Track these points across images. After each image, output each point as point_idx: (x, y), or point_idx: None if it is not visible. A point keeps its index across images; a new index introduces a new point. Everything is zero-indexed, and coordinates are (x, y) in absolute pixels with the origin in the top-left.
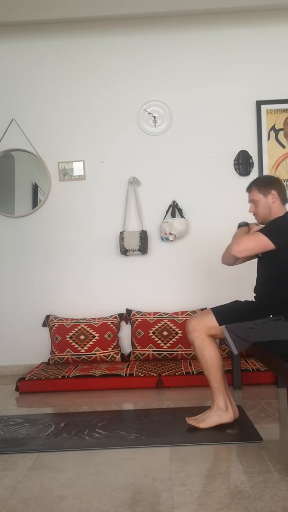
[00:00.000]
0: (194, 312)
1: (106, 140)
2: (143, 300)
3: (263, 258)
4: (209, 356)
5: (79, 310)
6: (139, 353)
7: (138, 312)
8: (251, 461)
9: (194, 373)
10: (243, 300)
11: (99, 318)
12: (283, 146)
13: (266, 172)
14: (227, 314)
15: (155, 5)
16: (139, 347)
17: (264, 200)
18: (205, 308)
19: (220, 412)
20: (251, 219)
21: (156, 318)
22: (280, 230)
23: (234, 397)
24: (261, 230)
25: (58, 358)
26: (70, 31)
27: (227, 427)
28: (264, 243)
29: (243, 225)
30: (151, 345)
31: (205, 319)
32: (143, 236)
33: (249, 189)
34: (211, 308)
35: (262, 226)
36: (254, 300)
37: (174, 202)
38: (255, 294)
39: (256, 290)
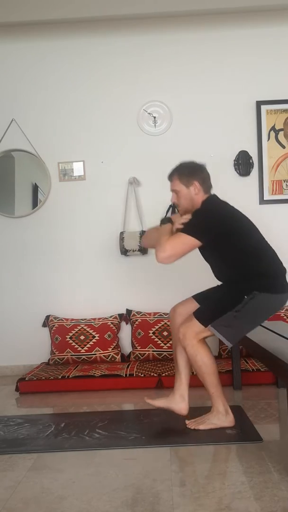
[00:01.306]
0: None
1: (106, 140)
2: (143, 300)
3: (205, 250)
4: (202, 362)
5: (79, 310)
6: (139, 353)
7: (138, 312)
8: (251, 462)
9: (194, 373)
10: (215, 286)
11: (99, 319)
12: (283, 147)
13: (266, 172)
14: (207, 314)
15: (155, 5)
16: (139, 347)
17: (185, 191)
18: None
19: (220, 415)
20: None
21: (156, 318)
22: (201, 225)
23: (234, 397)
24: (183, 230)
25: (58, 358)
26: (70, 32)
27: (227, 427)
28: (190, 243)
29: (166, 222)
30: (151, 345)
31: (191, 326)
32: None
33: (171, 178)
34: (193, 314)
35: (186, 219)
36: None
37: (174, 202)
38: (220, 282)
39: (218, 277)
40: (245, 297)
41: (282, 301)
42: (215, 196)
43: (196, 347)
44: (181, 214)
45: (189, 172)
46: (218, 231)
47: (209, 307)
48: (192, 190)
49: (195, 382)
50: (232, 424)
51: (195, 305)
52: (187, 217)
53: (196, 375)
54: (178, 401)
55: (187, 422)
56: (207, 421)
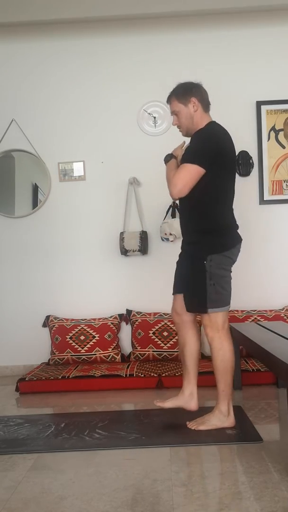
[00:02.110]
0: None
1: (106, 140)
2: (143, 301)
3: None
4: (224, 358)
5: (79, 311)
6: (139, 353)
7: (138, 313)
8: (251, 462)
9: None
10: (178, 266)
11: (99, 319)
12: (283, 147)
13: (266, 172)
14: (193, 302)
15: (156, 5)
16: (139, 347)
17: (185, 110)
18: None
19: (221, 416)
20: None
21: (156, 319)
22: (200, 151)
23: (234, 398)
24: (185, 159)
25: (58, 358)
26: (71, 32)
27: (227, 427)
28: (196, 171)
29: (169, 159)
30: (151, 345)
31: (215, 320)
32: (143, 237)
33: (169, 100)
34: (187, 311)
35: (183, 147)
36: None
37: (174, 202)
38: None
39: (183, 232)
40: (205, 263)
41: (234, 253)
42: (215, 123)
43: (223, 340)
44: (184, 134)
45: (185, 90)
46: (213, 161)
47: (192, 294)
48: (191, 107)
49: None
50: (233, 425)
51: (181, 297)
52: (181, 146)
53: (214, 369)
54: (188, 399)
55: (187, 423)
56: (207, 422)
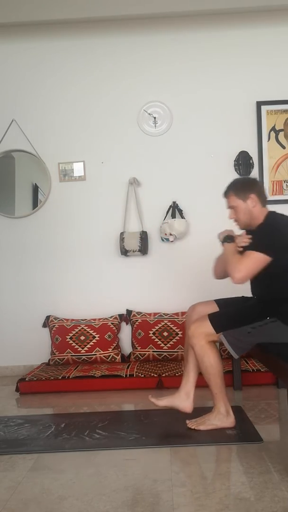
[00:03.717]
0: None
1: (106, 140)
2: (143, 301)
3: None
4: (209, 363)
5: (79, 311)
6: (139, 353)
7: (138, 313)
8: (251, 462)
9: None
10: (240, 296)
11: (99, 319)
12: (283, 147)
13: (266, 173)
14: (223, 321)
15: (155, 6)
16: (139, 347)
17: (243, 205)
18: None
19: (221, 416)
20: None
21: (156, 319)
22: (269, 241)
23: (235, 398)
24: (253, 248)
25: (58, 358)
26: (70, 32)
27: (228, 427)
28: (262, 260)
29: (229, 241)
30: (151, 345)
31: (203, 326)
32: (143, 237)
33: (227, 194)
34: (208, 315)
35: (247, 237)
36: (250, 299)
37: (174, 202)
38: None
39: (254, 292)
40: (267, 318)
41: None
42: (275, 212)
43: (204, 348)
44: (241, 228)
45: (244, 186)
46: (281, 246)
47: (227, 314)
48: (250, 203)
49: (196, 382)
50: (233, 425)
51: (215, 308)
52: (247, 236)
53: (202, 374)
54: (183, 398)
55: (187, 422)
56: (207, 422)
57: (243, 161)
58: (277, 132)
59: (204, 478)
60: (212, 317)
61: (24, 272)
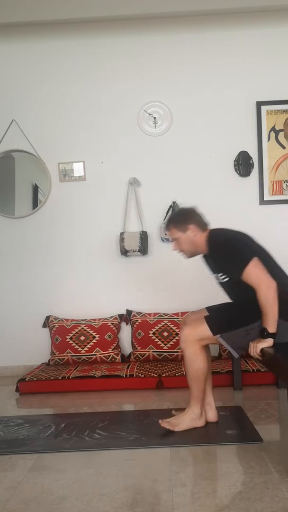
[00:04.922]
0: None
1: (106, 140)
2: (143, 301)
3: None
4: (197, 368)
5: (79, 311)
6: (139, 353)
7: (138, 313)
8: (251, 462)
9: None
10: (231, 303)
11: (99, 319)
12: (283, 147)
13: (266, 173)
14: (221, 322)
15: (155, 6)
16: (139, 348)
17: (184, 236)
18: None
19: (194, 416)
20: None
21: (156, 319)
22: (239, 249)
23: (235, 398)
24: (239, 269)
25: (58, 359)
26: (70, 32)
27: (228, 427)
28: (257, 263)
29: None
30: (151, 346)
31: (199, 329)
32: (143, 237)
33: (168, 228)
34: (204, 317)
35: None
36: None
37: (174, 202)
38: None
39: (235, 300)
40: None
41: None
42: (213, 229)
43: (196, 352)
44: (188, 257)
45: (183, 218)
46: (248, 246)
47: (223, 316)
48: (190, 233)
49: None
50: (203, 425)
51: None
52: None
53: (187, 376)
54: (207, 409)
55: (160, 422)
56: (181, 423)
57: (243, 161)
58: (277, 132)
59: (204, 478)
60: (209, 319)
61: (24, 272)
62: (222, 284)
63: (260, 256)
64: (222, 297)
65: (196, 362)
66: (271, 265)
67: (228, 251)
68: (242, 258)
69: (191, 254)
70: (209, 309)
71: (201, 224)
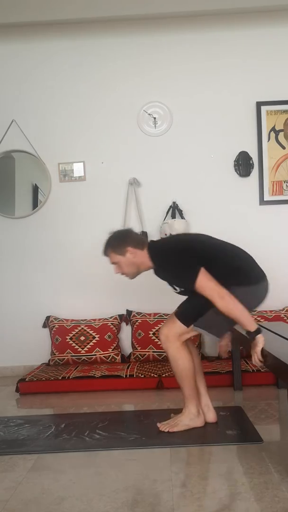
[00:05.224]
0: None
1: (106, 141)
2: (144, 301)
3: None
4: (183, 366)
5: (79, 311)
6: (139, 354)
7: (138, 313)
8: (251, 462)
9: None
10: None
11: (99, 319)
12: (283, 147)
13: (266, 173)
14: (190, 313)
15: (155, 6)
16: (140, 348)
17: (124, 259)
18: None
19: (192, 416)
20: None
21: (156, 319)
22: (186, 262)
23: (235, 398)
24: (191, 282)
25: (58, 359)
26: (71, 33)
27: (228, 428)
28: (205, 274)
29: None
30: (151, 346)
31: (174, 327)
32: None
33: (106, 253)
34: (174, 313)
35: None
36: None
37: (174, 203)
38: None
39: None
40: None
41: (257, 292)
42: (153, 241)
43: (179, 350)
44: (131, 278)
45: (119, 242)
46: (192, 256)
47: (190, 307)
48: (129, 255)
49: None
50: (203, 424)
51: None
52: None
53: (175, 376)
54: (205, 410)
55: (158, 425)
56: (180, 423)
57: (243, 162)
58: (277, 133)
59: (204, 478)
60: (179, 314)
61: (24, 272)
62: (181, 293)
63: (206, 255)
64: None
65: (180, 360)
66: (217, 249)
67: (175, 265)
68: (190, 272)
69: (134, 275)
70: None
71: (139, 243)
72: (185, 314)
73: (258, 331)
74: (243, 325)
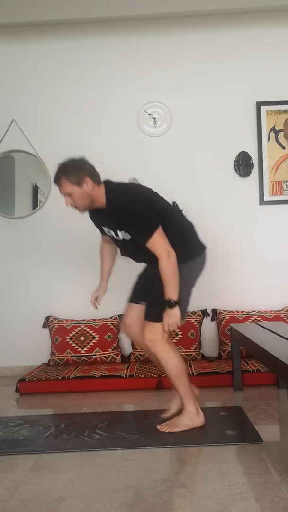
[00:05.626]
0: (194, 313)
1: (106, 141)
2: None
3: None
4: (174, 365)
5: (79, 311)
6: (139, 354)
7: None
8: (251, 462)
9: (194, 374)
10: (140, 277)
11: (99, 319)
12: (283, 147)
13: (266, 174)
14: (158, 309)
15: (155, 6)
16: (140, 348)
17: (80, 191)
18: (198, 311)
19: (192, 415)
20: (247, 219)
21: None
22: (146, 215)
23: (235, 398)
24: (146, 235)
25: (58, 359)
26: (71, 33)
27: (228, 428)
28: (160, 232)
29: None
30: None
31: (155, 329)
32: None
33: (58, 181)
34: (144, 319)
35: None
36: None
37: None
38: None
39: (138, 259)
40: None
41: (200, 262)
42: (110, 182)
43: (166, 349)
44: (82, 212)
45: (76, 169)
46: (153, 210)
47: (154, 303)
48: (86, 187)
49: (196, 383)
50: (203, 423)
51: (137, 308)
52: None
53: (167, 377)
54: (171, 400)
55: (158, 426)
56: (180, 423)
57: (243, 162)
58: (277, 133)
59: (204, 478)
60: (148, 317)
61: (24, 272)
62: (121, 242)
63: (164, 214)
64: (222, 297)
65: (170, 359)
66: (172, 211)
67: (135, 213)
68: (149, 226)
69: (86, 209)
70: (132, 301)
71: (96, 176)
72: (155, 312)
73: (177, 303)
74: (170, 291)
